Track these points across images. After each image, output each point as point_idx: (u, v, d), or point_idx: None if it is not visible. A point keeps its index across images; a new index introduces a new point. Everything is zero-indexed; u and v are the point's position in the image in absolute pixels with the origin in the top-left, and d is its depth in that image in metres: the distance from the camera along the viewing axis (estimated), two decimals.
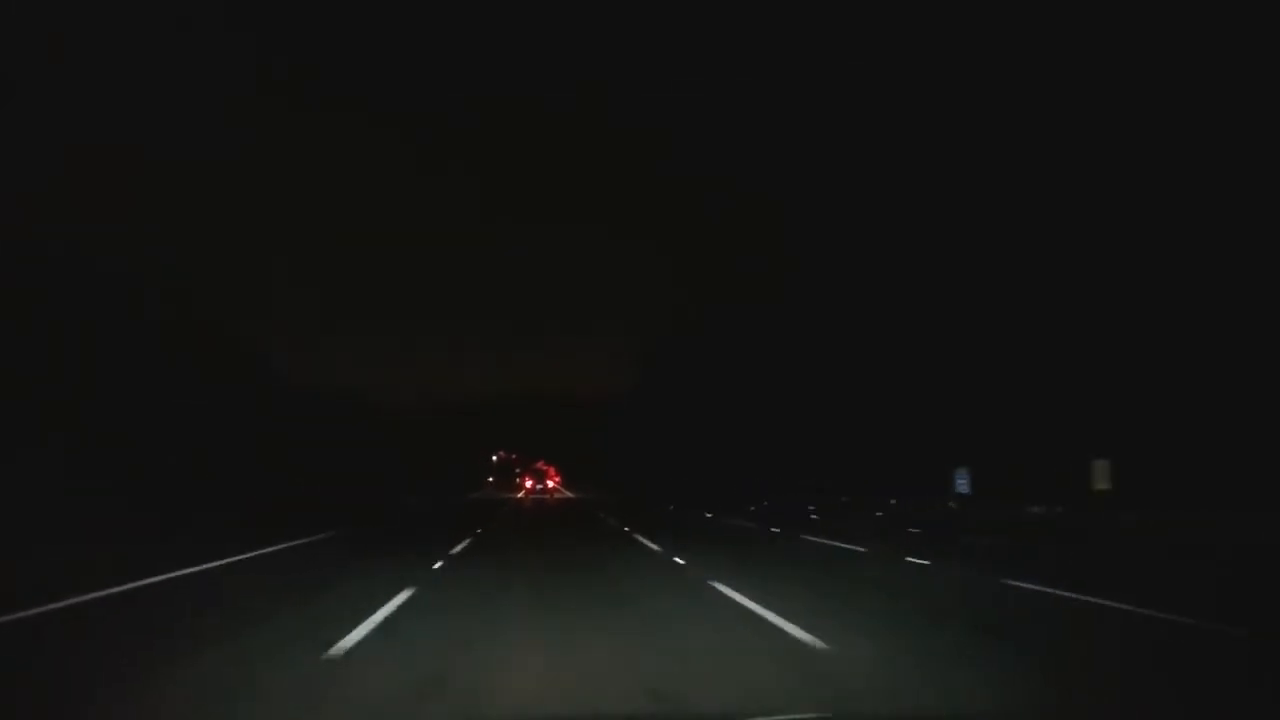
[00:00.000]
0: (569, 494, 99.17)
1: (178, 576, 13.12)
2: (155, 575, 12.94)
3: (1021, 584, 12.23)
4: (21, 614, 9.42)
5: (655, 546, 19.12)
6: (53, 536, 18.86)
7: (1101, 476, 28.28)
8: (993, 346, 40.50)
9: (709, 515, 37.33)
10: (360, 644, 7.71)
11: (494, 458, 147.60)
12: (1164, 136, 32.17)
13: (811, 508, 41.99)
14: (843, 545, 19.84)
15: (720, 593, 11.29)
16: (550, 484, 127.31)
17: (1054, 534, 23.84)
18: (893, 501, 41.19)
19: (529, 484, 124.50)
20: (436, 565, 15.17)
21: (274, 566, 15.66)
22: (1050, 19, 38.41)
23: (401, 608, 9.88)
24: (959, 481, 36.68)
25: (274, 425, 51.83)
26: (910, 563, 15.93)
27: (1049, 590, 11.49)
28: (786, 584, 12.58)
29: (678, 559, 16.30)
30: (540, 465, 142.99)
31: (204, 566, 14.70)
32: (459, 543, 20.75)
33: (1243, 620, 9.15)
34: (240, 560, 16.20)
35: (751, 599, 10.37)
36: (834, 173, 64.68)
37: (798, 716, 5.69)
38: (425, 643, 7.89)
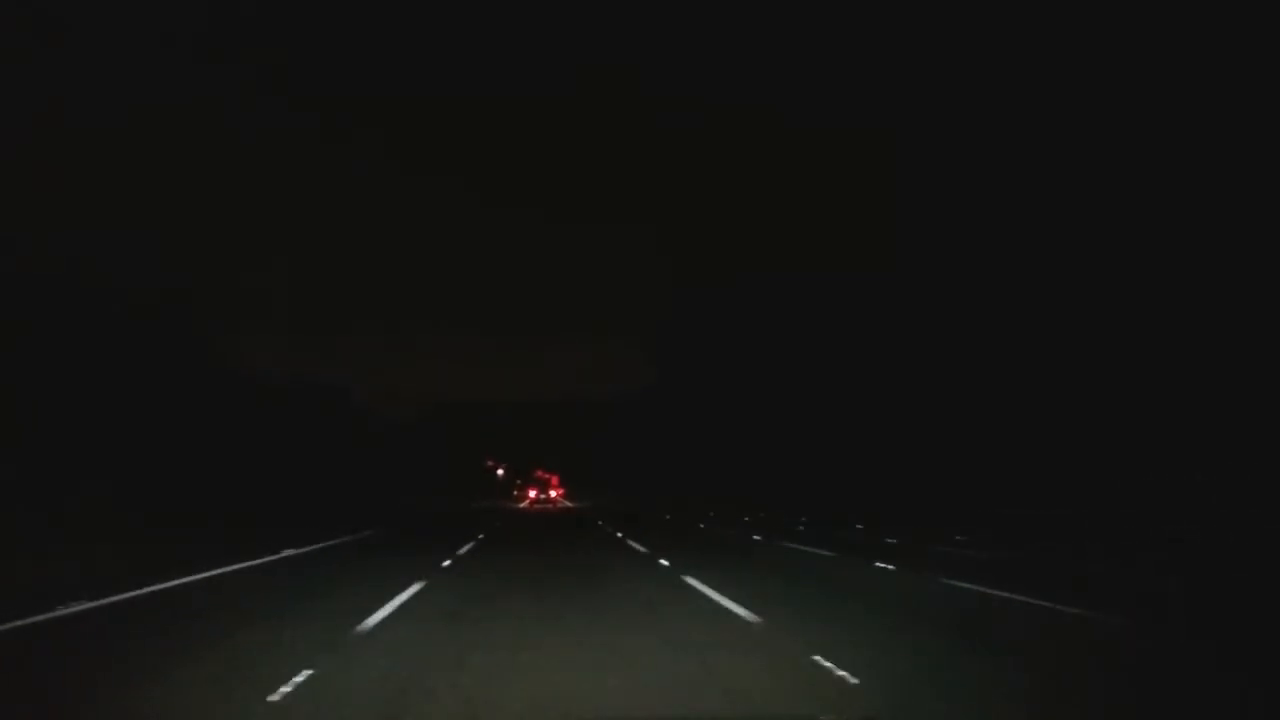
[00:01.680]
0: (571, 504, 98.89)
1: (317, 549, 20.14)
2: (312, 545, 20.71)
3: None
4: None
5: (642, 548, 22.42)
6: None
7: None
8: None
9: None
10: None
11: (498, 472, 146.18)
12: None
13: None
14: None
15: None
16: (553, 494, 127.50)
17: None
18: None
19: (532, 494, 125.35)
20: (466, 547, 21.46)
21: (375, 542, 23.56)
22: None
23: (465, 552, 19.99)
24: None
25: (283, 436, 51.81)
26: None
27: None
28: None
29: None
30: (541, 474, 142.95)
31: (332, 542, 22.28)
32: (479, 534, 27.52)
33: None
34: (349, 540, 23.67)
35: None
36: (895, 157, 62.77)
37: (802, 716, 5.68)
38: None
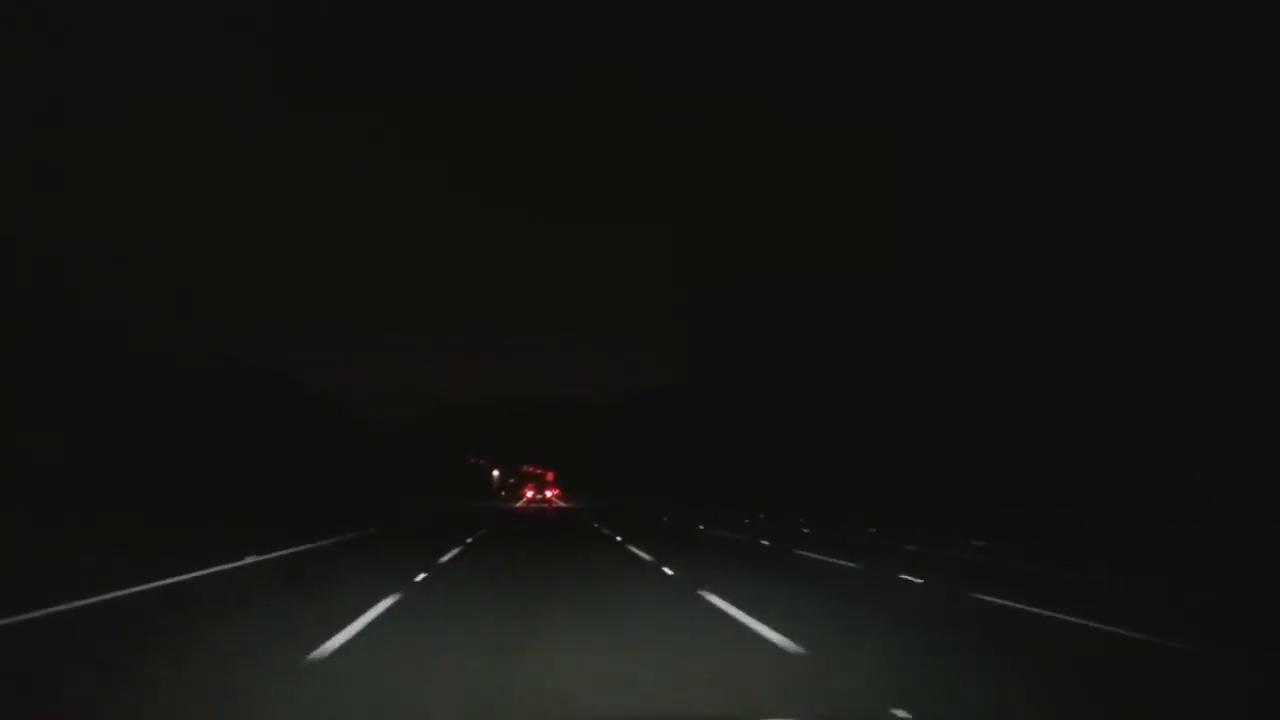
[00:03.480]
0: (566, 504, 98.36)
1: (360, 535, 25.99)
2: (353, 532, 26.77)
3: None
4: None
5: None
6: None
7: None
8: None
9: None
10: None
11: (494, 473, 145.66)
12: None
13: None
14: None
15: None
16: (549, 494, 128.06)
17: None
18: None
19: (529, 494, 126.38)
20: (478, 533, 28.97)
21: (406, 531, 29.62)
22: None
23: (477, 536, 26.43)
24: None
25: (282, 436, 51.79)
26: None
27: None
28: None
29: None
30: (531, 469, 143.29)
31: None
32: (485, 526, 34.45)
33: None
34: (385, 529, 30.05)
35: None
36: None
37: (803, 716, 5.69)
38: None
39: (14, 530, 19.53)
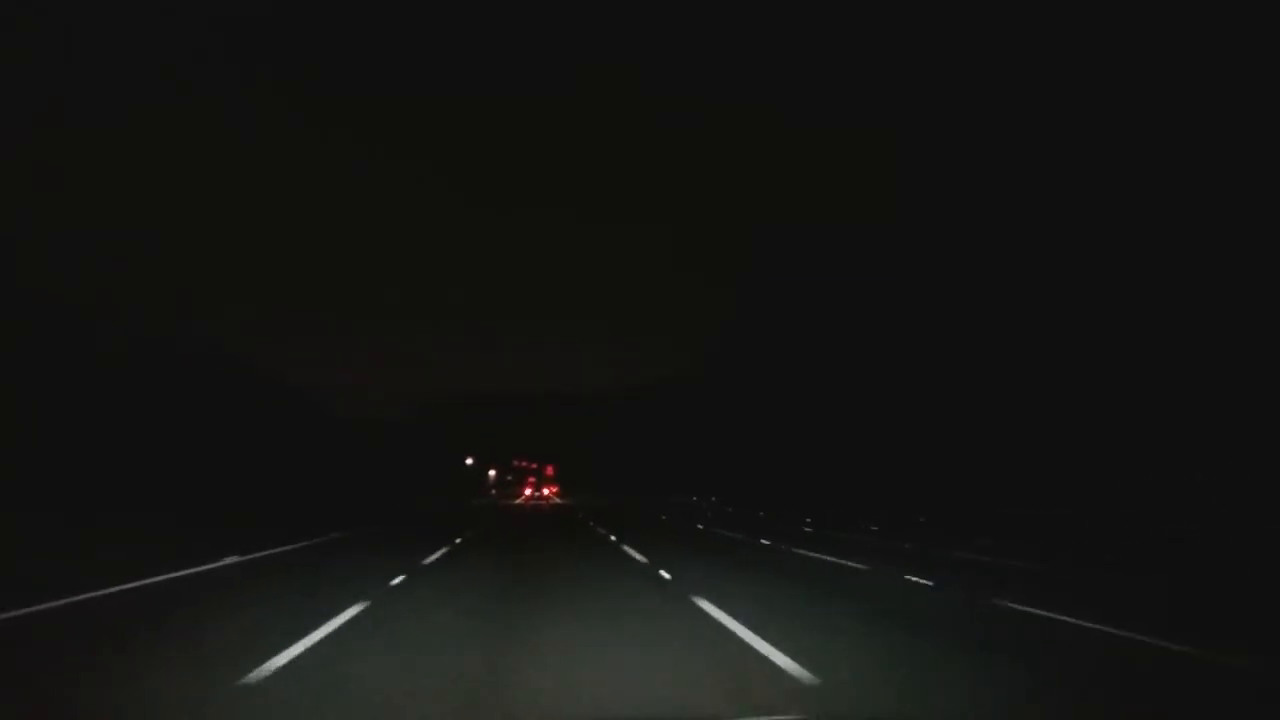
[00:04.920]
0: (565, 501, 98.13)
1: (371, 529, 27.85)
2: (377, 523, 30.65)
3: None
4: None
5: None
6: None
7: None
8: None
9: None
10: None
11: (490, 473, 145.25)
12: None
13: None
14: None
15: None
16: (546, 491, 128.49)
17: None
18: None
19: (528, 492, 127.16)
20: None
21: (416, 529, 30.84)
22: None
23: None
24: None
25: (282, 437, 51.84)
26: None
27: None
28: None
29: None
30: (529, 464, 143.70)
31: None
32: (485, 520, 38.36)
33: None
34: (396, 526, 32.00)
35: None
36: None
37: (790, 717, 5.71)
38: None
39: (14, 530, 19.50)
